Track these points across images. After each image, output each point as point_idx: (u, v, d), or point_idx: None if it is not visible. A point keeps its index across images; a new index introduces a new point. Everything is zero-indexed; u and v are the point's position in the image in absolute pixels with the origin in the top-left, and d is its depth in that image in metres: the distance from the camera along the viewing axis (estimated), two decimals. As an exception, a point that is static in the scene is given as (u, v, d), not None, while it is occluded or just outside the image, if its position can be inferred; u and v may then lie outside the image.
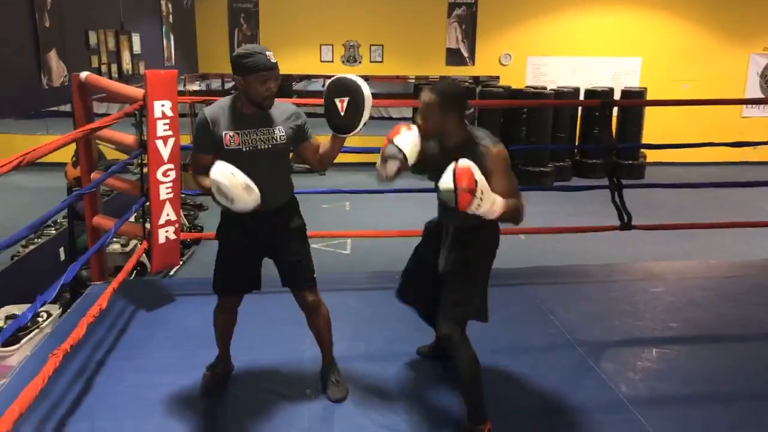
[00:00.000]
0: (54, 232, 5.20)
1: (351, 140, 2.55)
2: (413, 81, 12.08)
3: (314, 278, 2.62)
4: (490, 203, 2.15)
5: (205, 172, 2.32)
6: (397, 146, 2.33)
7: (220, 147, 2.37)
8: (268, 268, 2.62)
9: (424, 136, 2.39)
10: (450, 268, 2.44)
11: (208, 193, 2.37)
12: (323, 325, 2.66)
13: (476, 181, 2.10)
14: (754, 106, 10.72)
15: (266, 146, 2.39)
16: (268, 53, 2.29)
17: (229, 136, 2.36)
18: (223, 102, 2.43)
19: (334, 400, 2.64)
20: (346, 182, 8.72)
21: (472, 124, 11.08)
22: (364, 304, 3.54)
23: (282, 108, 2.45)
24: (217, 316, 2.70)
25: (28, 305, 2.43)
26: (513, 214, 2.27)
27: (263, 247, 2.55)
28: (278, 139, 2.40)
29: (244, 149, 2.36)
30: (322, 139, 2.53)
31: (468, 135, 2.36)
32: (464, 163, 2.15)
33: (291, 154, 2.61)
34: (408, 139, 2.34)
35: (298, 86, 11.95)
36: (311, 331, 2.70)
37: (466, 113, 2.41)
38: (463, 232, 2.43)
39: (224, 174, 2.22)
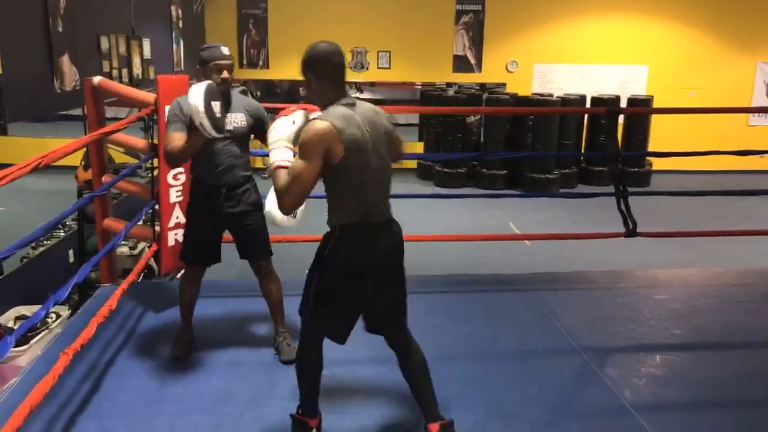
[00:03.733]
0: (63, 234, 5.24)
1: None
2: (420, 87, 12.14)
3: (270, 250, 2.93)
4: (273, 157, 2.14)
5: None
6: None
7: (190, 126, 2.68)
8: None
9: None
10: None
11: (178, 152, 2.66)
12: (276, 292, 2.97)
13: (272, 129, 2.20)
14: (760, 114, 10.71)
15: (229, 128, 2.74)
16: (223, 48, 2.74)
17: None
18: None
19: (285, 361, 2.88)
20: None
21: (479, 129, 10.41)
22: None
23: (246, 100, 2.86)
24: (185, 287, 2.97)
25: (38, 306, 2.47)
26: (276, 183, 2.08)
27: (225, 220, 2.86)
28: (239, 123, 2.78)
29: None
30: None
31: (326, 105, 2.07)
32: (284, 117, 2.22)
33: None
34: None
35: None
36: (265, 299, 2.98)
37: (333, 78, 2.08)
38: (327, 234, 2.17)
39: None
